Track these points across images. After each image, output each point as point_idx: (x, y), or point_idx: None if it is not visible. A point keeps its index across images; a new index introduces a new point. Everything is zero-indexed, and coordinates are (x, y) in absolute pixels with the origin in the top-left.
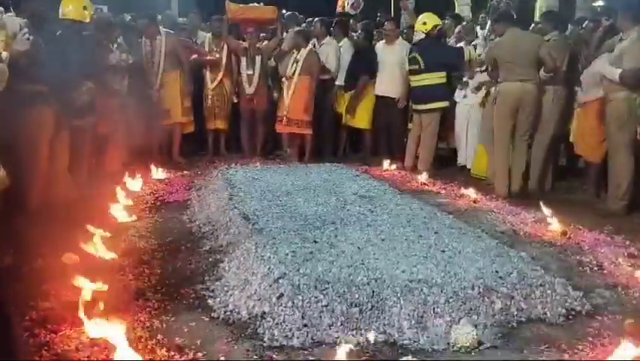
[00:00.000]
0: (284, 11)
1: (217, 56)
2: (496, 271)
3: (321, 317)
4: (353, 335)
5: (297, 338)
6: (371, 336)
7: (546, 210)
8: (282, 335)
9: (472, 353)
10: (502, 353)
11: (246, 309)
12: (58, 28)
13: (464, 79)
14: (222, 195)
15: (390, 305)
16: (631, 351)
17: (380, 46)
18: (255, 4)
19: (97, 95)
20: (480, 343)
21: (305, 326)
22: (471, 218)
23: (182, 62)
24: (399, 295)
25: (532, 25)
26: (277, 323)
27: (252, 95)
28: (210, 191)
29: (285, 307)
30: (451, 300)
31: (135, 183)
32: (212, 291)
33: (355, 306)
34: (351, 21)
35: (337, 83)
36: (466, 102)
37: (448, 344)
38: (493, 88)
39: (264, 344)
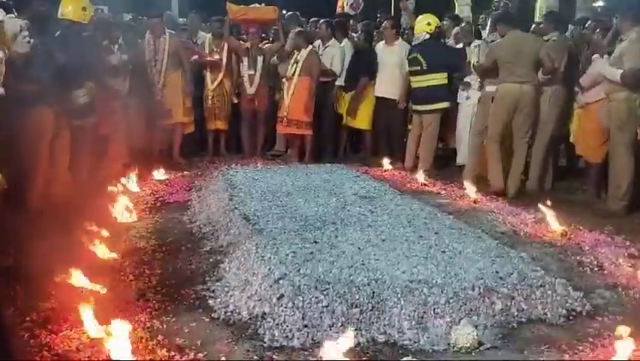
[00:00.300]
0: (284, 12)
1: (217, 56)
2: (497, 272)
3: (321, 317)
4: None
5: (298, 338)
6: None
7: (546, 211)
8: (282, 336)
9: (473, 354)
10: (503, 354)
11: (247, 310)
12: (58, 29)
13: (465, 79)
14: (223, 196)
15: (391, 306)
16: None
17: (380, 46)
18: (256, 5)
19: (97, 95)
20: (480, 343)
21: (305, 326)
22: (471, 218)
23: (183, 62)
24: (399, 295)
25: (534, 25)
26: (277, 324)
27: (254, 95)
28: (211, 191)
29: (285, 307)
30: (451, 301)
31: (135, 184)
32: (213, 292)
33: (356, 307)
34: (350, 21)
35: (337, 83)
36: (469, 103)
37: (449, 344)
38: (489, 88)
39: (265, 345)
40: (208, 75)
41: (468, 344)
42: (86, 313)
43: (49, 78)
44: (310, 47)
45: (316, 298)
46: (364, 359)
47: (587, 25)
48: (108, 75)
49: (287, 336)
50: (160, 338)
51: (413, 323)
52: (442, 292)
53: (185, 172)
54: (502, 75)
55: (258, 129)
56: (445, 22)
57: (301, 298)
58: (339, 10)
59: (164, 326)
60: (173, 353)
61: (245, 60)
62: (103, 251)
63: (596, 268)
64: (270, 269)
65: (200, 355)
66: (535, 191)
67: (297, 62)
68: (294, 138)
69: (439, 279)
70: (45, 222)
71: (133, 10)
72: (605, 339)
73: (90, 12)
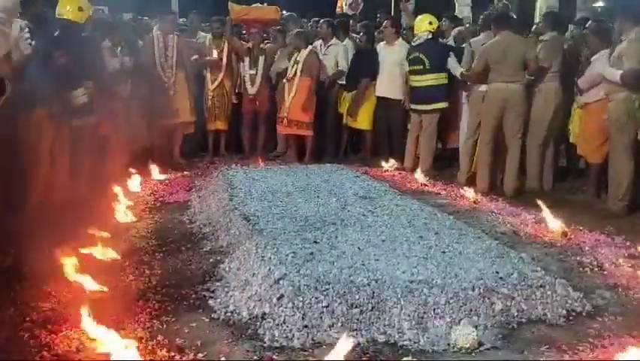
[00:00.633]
0: (284, 12)
1: (216, 57)
2: (497, 272)
3: (321, 317)
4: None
5: (298, 338)
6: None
7: (546, 211)
8: (282, 336)
9: (473, 354)
10: (503, 354)
11: (247, 310)
12: (56, 30)
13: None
14: (223, 196)
15: (391, 306)
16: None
17: (381, 46)
18: (258, 5)
19: (98, 96)
20: (480, 344)
21: (305, 326)
22: (471, 219)
23: (184, 63)
24: (399, 296)
25: (534, 26)
26: (278, 324)
27: (255, 95)
28: (211, 192)
29: (285, 308)
30: (451, 301)
31: (136, 184)
32: (213, 292)
33: (356, 307)
34: (350, 22)
35: (339, 82)
36: None
37: (449, 344)
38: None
39: (265, 345)
40: (208, 75)
41: (468, 345)
42: (86, 314)
43: (49, 79)
44: (310, 47)
45: (316, 298)
46: (364, 359)
47: (587, 25)
48: (112, 79)
49: (287, 336)
50: (160, 338)
51: (413, 323)
52: (442, 292)
53: (185, 172)
54: (491, 75)
55: (259, 129)
56: (443, 23)
57: (301, 299)
58: (338, 10)
59: (164, 326)
60: (173, 353)
61: (246, 60)
62: (103, 251)
63: (596, 269)
64: (270, 269)
65: (200, 355)
66: (535, 190)
67: (297, 62)
68: (294, 138)
69: (439, 279)
70: (45, 222)
71: (133, 10)
72: (605, 339)
73: (88, 12)
